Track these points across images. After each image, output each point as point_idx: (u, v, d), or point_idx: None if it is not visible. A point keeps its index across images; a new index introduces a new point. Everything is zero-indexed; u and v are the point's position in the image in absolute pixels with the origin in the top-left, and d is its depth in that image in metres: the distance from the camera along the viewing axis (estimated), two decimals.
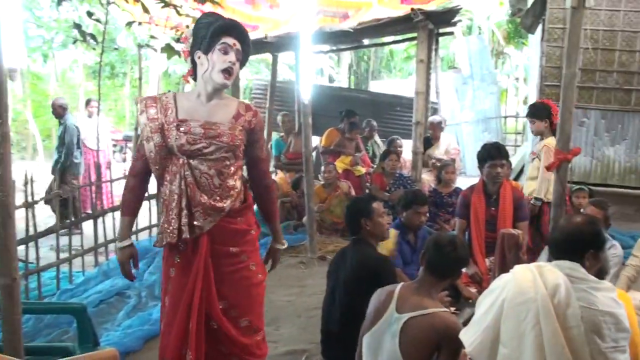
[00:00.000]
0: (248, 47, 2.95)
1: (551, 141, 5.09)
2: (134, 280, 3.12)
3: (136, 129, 7.42)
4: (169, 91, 3.04)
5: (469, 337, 2.46)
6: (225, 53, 2.81)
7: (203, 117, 2.82)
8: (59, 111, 8.28)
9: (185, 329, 2.78)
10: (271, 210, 3.18)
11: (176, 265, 2.88)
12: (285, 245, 3.26)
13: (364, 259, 3.48)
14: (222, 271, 2.86)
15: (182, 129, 2.78)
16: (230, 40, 2.82)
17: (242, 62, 2.96)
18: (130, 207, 2.99)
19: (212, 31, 2.80)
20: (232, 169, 2.86)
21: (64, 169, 8.00)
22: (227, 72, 2.81)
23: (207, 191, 2.81)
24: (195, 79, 2.94)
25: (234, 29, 2.87)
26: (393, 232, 4.48)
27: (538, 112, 5.51)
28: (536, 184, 5.28)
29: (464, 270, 4.13)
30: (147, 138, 2.81)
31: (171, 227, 2.79)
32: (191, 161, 2.79)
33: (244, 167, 3.04)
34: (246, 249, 2.94)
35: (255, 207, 3.09)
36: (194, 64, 2.91)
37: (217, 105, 2.88)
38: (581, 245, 2.52)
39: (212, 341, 2.84)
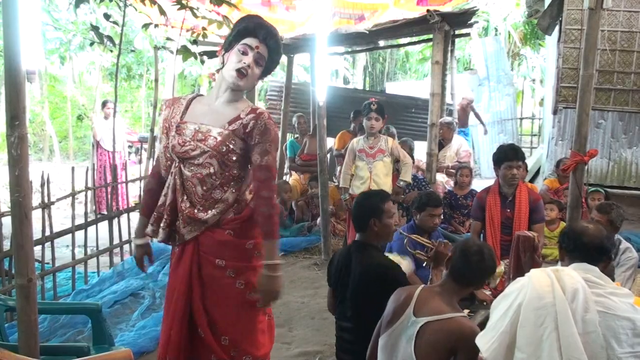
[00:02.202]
0: (276, 55, 2.81)
1: (394, 139, 6.34)
2: (145, 272, 3.11)
3: (152, 131, 7.47)
4: (192, 92, 2.96)
5: (485, 342, 2.44)
6: (244, 53, 2.70)
7: (201, 120, 2.73)
8: None
9: (168, 333, 2.74)
10: (265, 225, 2.68)
11: (171, 268, 2.86)
12: (276, 271, 2.65)
13: (371, 267, 3.30)
14: (206, 282, 2.74)
15: (178, 130, 2.73)
16: (252, 42, 2.70)
17: (267, 68, 2.82)
18: (147, 207, 2.93)
19: (236, 31, 2.73)
20: (219, 181, 2.70)
21: None
22: (241, 72, 2.68)
23: (192, 199, 2.72)
24: None
25: (260, 30, 2.73)
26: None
27: (384, 111, 5.96)
28: (403, 170, 6.07)
29: None
30: (160, 139, 2.85)
31: (150, 227, 2.81)
32: (182, 165, 2.72)
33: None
34: (235, 264, 2.73)
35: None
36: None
37: (223, 107, 2.75)
38: (605, 252, 2.59)
39: (203, 350, 2.74)
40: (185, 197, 2.71)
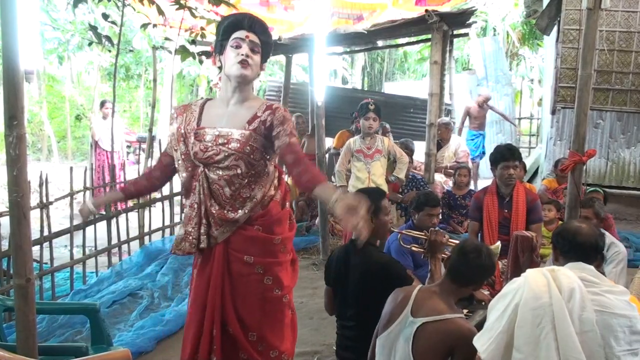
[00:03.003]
0: (266, 37, 2.84)
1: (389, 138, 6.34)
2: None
3: (150, 131, 7.46)
4: (201, 98, 3.01)
5: (483, 343, 2.44)
6: (237, 47, 2.73)
7: (218, 124, 2.75)
8: None
9: (199, 332, 2.76)
10: (316, 177, 2.66)
11: (198, 268, 2.87)
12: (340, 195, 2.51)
13: (370, 265, 3.31)
14: (234, 278, 2.79)
15: (197, 137, 2.74)
16: (241, 34, 2.74)
17: (263, 53, 2.85)
18: (131, 184, 3.08)
19: (222, 31, 2.77)
20: (246, 180, 2.74)
21: None
22: (242, 62, 2.71)
23: (220, 201, 2.75)
24: None
25: (243, 21, 2.77)
26: None
27: (381, 111, 5.99)
28: (399, 166, 6.08)
29: None
30: (175, 147, 2.81)
31: (191, 237, 2.76)
32: (206, 170, 2.74)
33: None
34: (263, 260, 2.79)
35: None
36: (218, 68, 2.87)
37: (238, 109, 2.78)
38: (599, 250, 2.63)
39: (232, 347, 2.79)
40: (213, 201, 2.74)
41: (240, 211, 2.75)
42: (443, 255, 3.61)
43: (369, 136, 5.98)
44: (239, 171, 2.72)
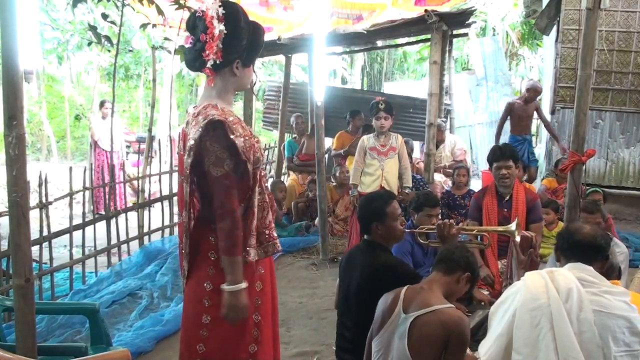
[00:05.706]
0: None
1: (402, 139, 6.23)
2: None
3: (150, 131, 7.44)
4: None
5: (485, 348, 2.44)
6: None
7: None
8: None
9: (275, 339, 2.78)
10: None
11: (262, 278, 2.66)
12: None
13: (378, 267, 3.29)
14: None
15: (257, 141, 2.62)
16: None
17: None
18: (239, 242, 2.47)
19: (258, 48, 2.62)
20: None
21: None
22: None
23: None
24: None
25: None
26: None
27: (392, 108, 5.98)
28: (405, 176, 6.07)
29: None
30: (247, 158, 2.48)
31: (273, 238, 2.68)
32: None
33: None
34: None
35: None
36: (218, 64, 2.49)
37: None
38: (600, 250, 2.61)
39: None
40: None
41: None
42: None
43: (383, 135, 5.99)
44: None
